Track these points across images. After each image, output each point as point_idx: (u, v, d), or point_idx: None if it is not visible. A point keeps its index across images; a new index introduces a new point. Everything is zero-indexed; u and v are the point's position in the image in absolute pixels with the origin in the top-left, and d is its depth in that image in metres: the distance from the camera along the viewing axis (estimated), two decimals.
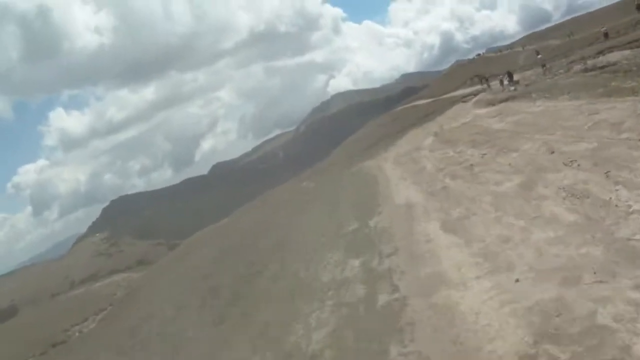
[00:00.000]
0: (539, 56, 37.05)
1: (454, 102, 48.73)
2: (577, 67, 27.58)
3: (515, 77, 36.65)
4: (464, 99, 46.77)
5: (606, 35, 38.87)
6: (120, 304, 47.06)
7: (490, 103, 28.55)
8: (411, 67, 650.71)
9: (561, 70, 29.71)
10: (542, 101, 21.60)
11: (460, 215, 12.98)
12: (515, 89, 32.46)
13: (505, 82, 36.61)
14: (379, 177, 25.10)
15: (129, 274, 73.78)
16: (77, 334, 46.34)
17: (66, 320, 49.91)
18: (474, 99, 41.07)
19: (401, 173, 23.06)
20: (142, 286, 50.37)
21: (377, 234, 15.27)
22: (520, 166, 14.18)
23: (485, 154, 17.64)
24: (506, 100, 26.67)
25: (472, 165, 17.15)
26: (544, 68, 35.62)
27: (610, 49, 28.08)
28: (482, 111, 27.57)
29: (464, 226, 12.09)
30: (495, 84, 43.41)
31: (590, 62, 26.42)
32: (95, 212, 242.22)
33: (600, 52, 28.74)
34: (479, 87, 50.56)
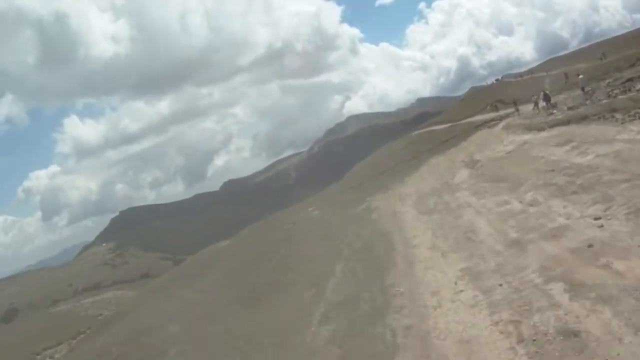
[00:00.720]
0: (580, 77, 31.83)
1: (475, 127, 44.31)
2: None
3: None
4: (488, 123, 42.03)
5: None
6: (99, 329, 42.25)
7: (534, 128, 22.67)
8: (427, 92, 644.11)
9: (616, 91, 24.36)
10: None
11: None
12: (552, 112, 27.38)
13: (542, 104, 31.58)
14: (394, 235, 16.76)
15: (122, 292, 68.84)
16: (47, 359, 41.61)
17: (41, 342, 45.14)
18: (502, 124, 36.19)
19: (432, 236, 14.70)
20: (129, 310, 45.69)
21: None
22: None
23: (610, 218, 9.64)
24: (564, 123, 20.02)
25: (597, 253, 8.55)
26: (585, 91, 30.37)
27: None
28: (526, 137, 21.41)
29: None
30: (524, 107, 38.58)
31: None
32: (104, 221, 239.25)
33: None
34: (495, 113, 46.11)
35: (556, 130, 19.12)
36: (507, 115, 41.68)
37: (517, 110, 37.89)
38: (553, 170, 13.95)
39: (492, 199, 15.08)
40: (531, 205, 12.64)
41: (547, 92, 31.86)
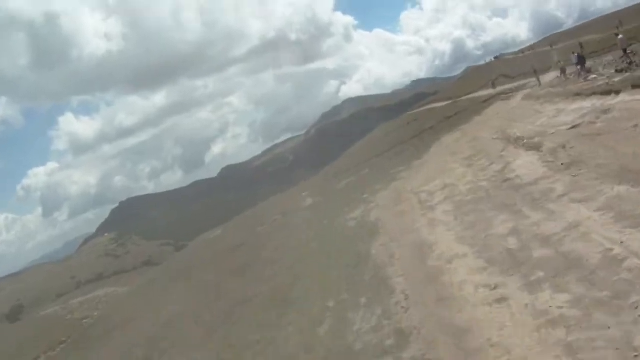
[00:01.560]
0: (620, 37, 25.93)
1: (484, 101, 38.89)
2: None
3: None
4: (500, 96, 36.46)
5: None
6: (78, 339, 37.10)
7: (591, 92, 15.83)
8: (422, 74, 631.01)
9: None
10: None
11: None
12: (588, 77, 21.64)
13: (573, 69, 25.80)
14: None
15: (115, 289, 63.52)
16: None
17: (18, 355, 39.97)
18: (520, 95, 30.62)
19: None
20: (114, 313, 40.58)
21: None
22: None
23: None
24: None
25: None
26: (626, 54, 24.55)
27: None
28: (588, 104, 14.32)
29: None
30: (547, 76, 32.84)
31: None
32: (104, 213, 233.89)
33: None
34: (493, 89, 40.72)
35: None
36: (518, 89, 36.09)
37: (539, 79, 32.06)
38: None
39: None
40: None
41: (582, 54, 25.86)
